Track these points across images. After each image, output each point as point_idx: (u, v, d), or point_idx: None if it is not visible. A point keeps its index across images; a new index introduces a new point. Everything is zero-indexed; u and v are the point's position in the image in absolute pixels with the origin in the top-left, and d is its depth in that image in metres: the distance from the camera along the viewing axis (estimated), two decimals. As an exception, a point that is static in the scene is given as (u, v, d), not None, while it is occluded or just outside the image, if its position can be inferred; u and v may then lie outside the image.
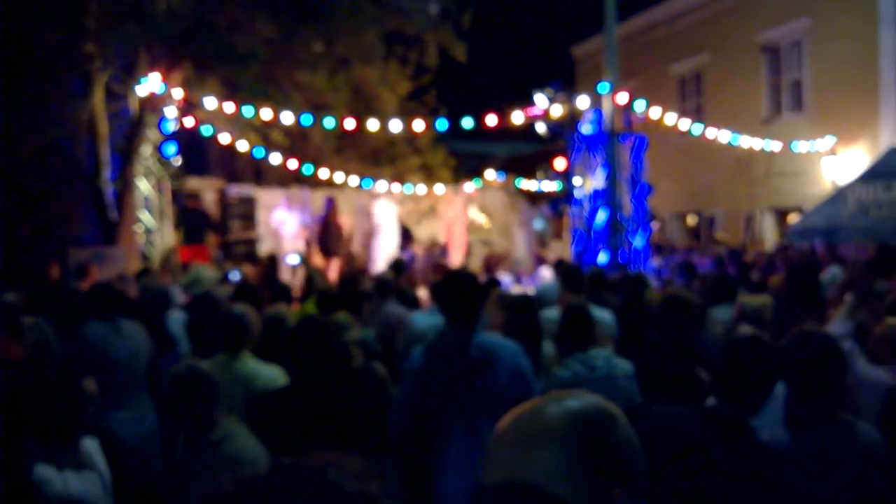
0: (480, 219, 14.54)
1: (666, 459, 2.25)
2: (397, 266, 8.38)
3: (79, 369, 2.93)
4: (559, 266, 8.26)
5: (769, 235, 16.13)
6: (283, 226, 13.36)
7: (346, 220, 13.62)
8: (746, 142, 14.08)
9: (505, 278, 11.12)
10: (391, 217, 13.95)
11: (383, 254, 13.46)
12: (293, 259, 12.75)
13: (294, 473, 0.94)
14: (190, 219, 12.54)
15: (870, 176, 11.31)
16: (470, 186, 14.77)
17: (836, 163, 14.43)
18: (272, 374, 3.88)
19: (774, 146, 14.45)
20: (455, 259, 14.19)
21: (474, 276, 3.97)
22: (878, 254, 8.27)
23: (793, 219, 14.62)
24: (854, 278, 5.18)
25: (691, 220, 19.24)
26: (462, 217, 14.28)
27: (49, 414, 2.76)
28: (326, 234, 13.17)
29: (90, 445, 2.89)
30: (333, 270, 12.69)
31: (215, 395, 3.00)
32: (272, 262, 12.82)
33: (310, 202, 13.99)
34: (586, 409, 1.20)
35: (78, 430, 2.83)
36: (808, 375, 2.56)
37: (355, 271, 8.04)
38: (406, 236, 14.49)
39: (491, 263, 12.69)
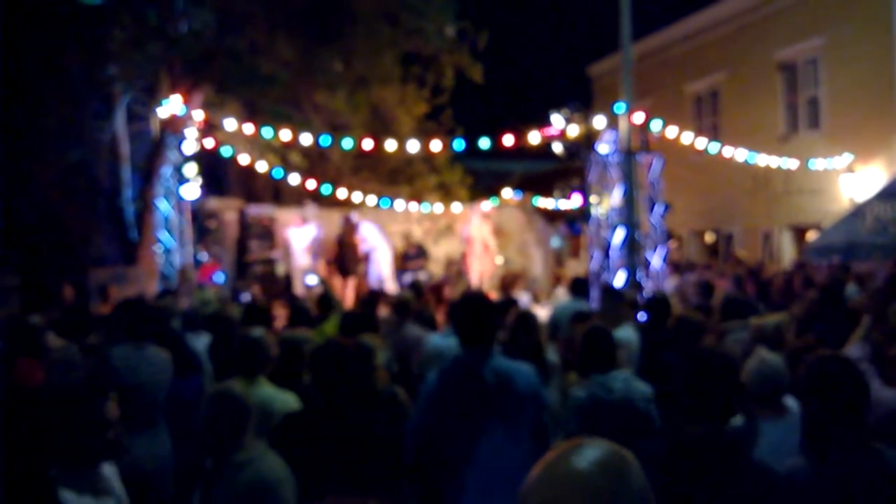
0: (489, 240, 14.52)
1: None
2: (416, 287, 8.42)
3: (102, 393, 2.95)
4: (577, 284, 8.27)
5: (787, 253, 16.03)
6: (299, 244, 13.45)
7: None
8: (763, 160, 14.04)
9: (522, 297, 11.14)
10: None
11: (376, 273, 13.46)
12: (311, 279, 12.83)
13: None
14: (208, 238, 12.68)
15: (887, 193, 11.25)
16: (487, 205, 14.80)
17: (853, 180, 14.36)
18: (288, 401, 3.89)
19: (791, 164, 14.40)
20: (475, 279, 14.20)
21: (489, 298, 3.98)
22: (893, 277, 8.21)
23: (811, 236, 14.53)
24: (870, 300, 5.15)
25: (709, 237, 19.17)
26: (482, 236, 14.29)
27: (70, 438, 2.77)
28: (343, 254, 13.24)
29: (109, 471, 2.91)
30: (350, 290, 12.75)
31: (248, 418, 3.05)
32: (287, 282, 12.95)
33: (326, 221, 14.11)
34: (607, 457, 1.27)
35: (98, 455, 2.84)
36: (828, 400, 2.54)
37: (375, 292, 8.07)
38: (422, 255, 14.53)
39: (507, 283, 12.70)
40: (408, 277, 13.41)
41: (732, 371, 2.64)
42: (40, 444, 2.83)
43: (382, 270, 13.50)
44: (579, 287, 7.92)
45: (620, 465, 1.26)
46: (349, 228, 13.28)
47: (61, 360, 4.62)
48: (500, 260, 14.48)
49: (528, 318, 5.23)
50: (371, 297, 7.51)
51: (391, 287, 12.79)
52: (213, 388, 3.22)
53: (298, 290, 12.98)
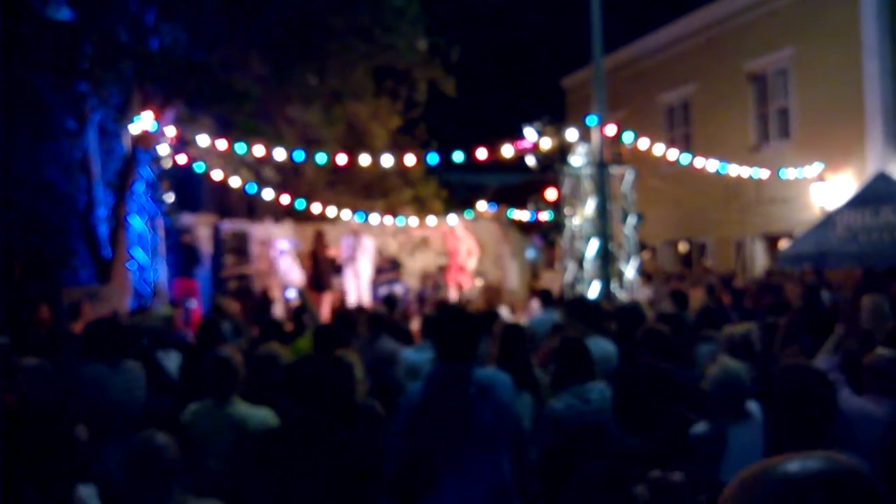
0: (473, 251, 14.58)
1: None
2: (390, 301, 8.40)
3: (73, 415, 2.92)
4: (546, 295, 8.32)
5: (760, 261, 16.22)
6: (279, 259, 13.39)
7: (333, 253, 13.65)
8: (735, 170, 14.22)
9: (503, 310, 11.17)
10: (369, 250, 13.91)
11: (354, 287, 13.43)
12: (291, 293, 12.78)
13: None
14: (182, 254, 12.60)
15: (858, 201, 11.42)
16: (454, 219, 14.84)
17: (824, 189, 14.57)
18: (264, 417, 3.86)
19: (763, 174, 14.59)
20: (452, 292, 14.22)
21: (468, 312, 3.99)
22: (864, 279, 8.35)
23: (783, 245, 14.72)
24: (841, 310, 5.22)
25: (683, 247, 19.35)
26: (459, 248, 14.32)
27: (44, 462, 2.76)
28: (316, 269, 13.20)
29: (85, 493, 2.89)
30: (326, 305, 12.70)
31: (175, 470, 2.81)
32: (264, 298, 12.88)
33: (300, 236, 14.08)
34: (830, 468, 1.13)
35: (73, 477, 2.83)
36: (796, 409, 2.58)
37: (349, 307, 8.05)
38: (396, 268, 14.53)
39: (491, 297, 12.75)
40: (383, 290, 13.38)
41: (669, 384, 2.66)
42: (16, 469, 2.81)
43: (361, 283, 13.45)
44: (548, 299, 7.96)
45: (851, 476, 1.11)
46: (321, 243, 13.26)
47: (36, 379, 4.56)
48: (472, 263, 14.52)
49: (517, 330, 5.26)
50: (346, 312, 7.49)
51: (366, 301, 12.77)
52: (138, 436, 2.95)
53: (279, 304, 12.93)
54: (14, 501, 2.72)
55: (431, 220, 15.19)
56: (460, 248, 14.25)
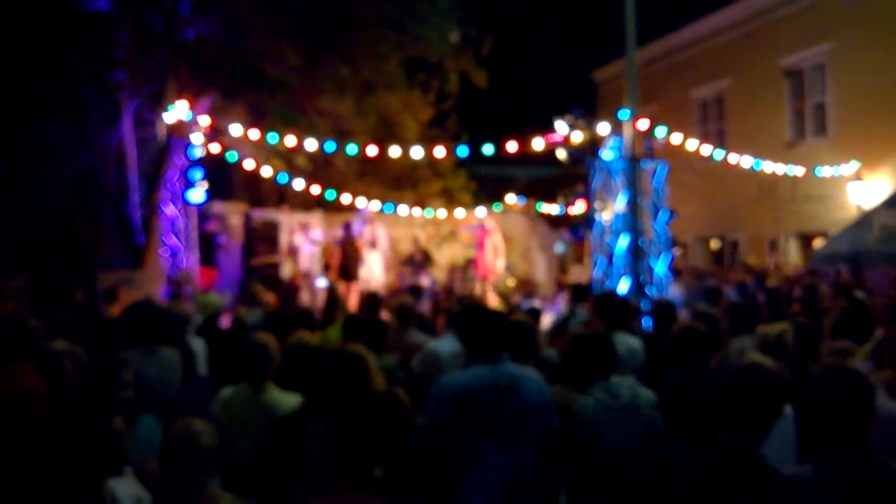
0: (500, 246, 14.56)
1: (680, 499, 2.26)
2: (416, 292, 8.42)
3: (110, 406, 2.91)
4: (577, 290, 8.28)
5: (793, 260, 15.99)
6: (306, 248, 13.48)
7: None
8: (769, 167, 14.02)
9: (534, 303, 11.17)
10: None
11: (367, 275, 13.40)
12: (321, 282, 12.88)
13: None
14: (204, 242, 12.71)
15: (895, 201, 11.21)
16: (482, 211, 14.82)
17: (860, 188, 14.32)
18: (296, 404, 3.91)
19: (798, 171, 14.37)
20: (479, 286, 14.22)
21: (492, 309, 4.02)
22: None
23: (817, 244, 14.50)
24: (881, 313, 5.11)
25: (714, 244, 19.14)
26: (486, 243, 14.29)
27: (79, 453, 2.76)
28: (346, 259, 13.28)
29: (114, 483, 2.89)
30: (354, 295, 12.78)
31: (210, 460, 2.81)
32: (293, 286, 12.99)
33: (330, 226, 14.17)
34: None
35: (106, 469, 2.83)
36: (836, 411, 2.54)
37: (375, 295, 8.07)
38: (427, 261, 14.55)
39: (527, 289, 12.73)
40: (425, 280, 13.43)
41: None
42: (46, 457, 2.83)
43: (374, 272, 13.43)
44: (580, 294, 7.93)
45: None
46: (350, 234, 13.33)
47: (69, 364, 4.64)
48: (501, 264, 14.50)
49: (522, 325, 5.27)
50: (373, 302, 7.52)
51: (381, 289, 12.81)
52: (175, 426, 2.97)
53: (307, 293, 13.04)
54: (45, 490, 2.72)
55: (460, 212, 15.19)
56: (487, 244, 14.23)
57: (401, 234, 15.08)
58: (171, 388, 4.57)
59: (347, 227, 13.44)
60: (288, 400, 3.95)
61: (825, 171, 14.45)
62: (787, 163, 14.36)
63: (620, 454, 3.56)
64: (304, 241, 13.29)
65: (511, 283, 15.04)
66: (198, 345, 5.52)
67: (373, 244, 13.38)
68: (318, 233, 13.39)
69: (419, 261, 14.35)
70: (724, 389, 2.63)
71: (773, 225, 16.06)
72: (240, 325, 6.13)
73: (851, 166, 14.44)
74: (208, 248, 13.04)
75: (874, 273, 10.51)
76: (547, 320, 8.46)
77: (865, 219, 11.44)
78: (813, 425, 2.60)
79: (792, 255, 16.21)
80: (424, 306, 9.10)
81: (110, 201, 13.22)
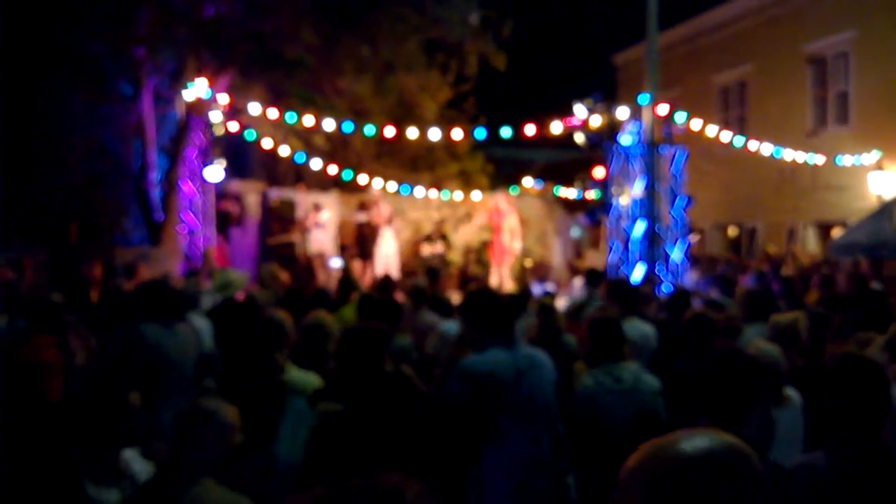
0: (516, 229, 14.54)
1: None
2: (431, 273, 8.45)
3: (127, 380, 2.94)
4: (591, 275, 8.28)
5: (812, 249, 15.87)
6: (322, 227, 13.51)
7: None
8: (790, 154, 13.89)
9: (548, 287, 11.19)
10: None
11: (382, 255, 13.35)
12: (336, 262, 12.93)
13: (373, 494, 1.01)
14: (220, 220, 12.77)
15: (916, 192, 11.11)
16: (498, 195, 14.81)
17: (882, 178, 14.16)
18: (312, 382, 3.95)
19: (818, 159, 14.23)
20: (494, 271, 14.23)
21: (503, 297, 4.08)
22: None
23: (836, 233, 14.38)
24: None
25: (732, 231, 19.02)
26: (502, 225, 14.28)
27: (95, 426, 2.81)
28: (362, 238, 13.33)
29: (129, 456, 2.95)
30: (368, 275, 12.84)
31: (225, 437, 2.73)
32: (309, 266, 13.05)
33: (346, 206, 14.20)
34: (718, 447, 1.23)
35: (119, 441, 2.87)
36: (849, 399, 2.55)
37: (389, 277, 8.10)
38: (443, 241, 14.57)
39: (540, 273, 12.72)
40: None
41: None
42: (65, 429, 2.88)
43: (389, 253, 13.42)
44: (595, 278, 7.93)
45: (736, 456, 1.22)
46: (364, 212, 13.37)
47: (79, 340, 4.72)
48: (517, 246, 14.49)
49: (548, 308, 5.31)
50: (386, 282, 7.55)
51: (395, 270, 12.83)
52: (189, 404, 2.92)
53: (320, 272, 13.09)
54: (62, 461, 2.78)
55: (476, 194, 15.17)
56: (503, 226, 14.20)
57: (417, 216, 15.09)
58: (190, 360, 4.65)
59: (363, 206, 13.48)
60: (304, 378, 3.99)
61: (846, 161, 14.30)
62: (807, 151, 14.22)
63: (617, 436, 3.60)
64: (313, 223, 13.31)
65: (528, 263, 15.03)
66: (202, 323, 5.57)
67: (389, 221, 13.40)
68: (325, 213, 13.38)
69: (435, 238, 14.40)
70: (702, 376, 2.65)
71: (792, 213, 15.94)
72: (253, 302, 6.17)
73: (872, 156, 14.28)
74: (224, 226, 13.10)
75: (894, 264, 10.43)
76: (561, 304, 8.47)
77: (885, 209, 11.34)
78: (825, 413, 2.61)
79: (810, 244, 16.09)
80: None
81: (129, 178, 13.33)
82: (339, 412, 3.47)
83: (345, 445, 3.25)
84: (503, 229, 14.18)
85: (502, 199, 14.48)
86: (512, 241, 14.24)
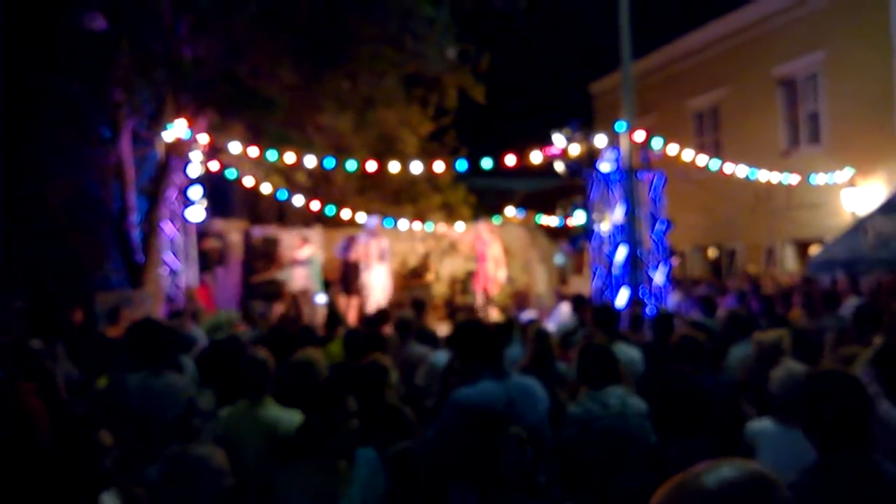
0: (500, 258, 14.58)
1: None
2: (417, 305, 8.46)
3: (97, 422, 2.89)
4: (578, 301, 8.33)
5: (790, 267, 16.05)
6: (306, 265, 13.49)
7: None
8: (764, 175, 14.10)
9: (531, 315, 11.19)
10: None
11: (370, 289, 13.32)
12: (321, 298, 12.89)
13: None
14: (200, 260, 12.73)
15: (889, 207, 11.28)
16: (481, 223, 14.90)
17: (855, 194, 14.40)
18: (295, 420, 3.92)
19: (792, 179, 14.45)
20: (480, 296, 14.24)
21: (490, 325, 4.09)
22: (893, 283, 8.29)
23: (814, 250, 14.55)
24: (882, 320, 5.11)
25: (712, 253, 19.20)
26: (486, 253, 14.33)
27: (71, 470, 2.77)
28: (346, 274, 13.32)
29: (108, 500, 2.87)
30: (353, 309, 12.81)
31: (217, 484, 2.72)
32: (295, 302, 13.01)
33: (331, 242, 14.19)
34: (742, 478, 1.20)
35: (92, 485, 2.80)
36: (832, 416, 2.54)
37: (382, 311, 8.11)
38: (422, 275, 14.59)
39: (520, 301, 12.74)
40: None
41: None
42: (41, 474, 2.83)
43: (378, 286, 13.41)
44: (581, 304, 7.97)
45: (760, 486, 1.20)
46: (351, 249, 13.36)
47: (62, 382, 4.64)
48: (502, 275, 14.54)
49: (544, 336, 5.34)
50: (378, 316, 7.55)
51: (384, 303, 12.82)
52: (171, 448, 2.92)
53: (306, 308, 13.05)
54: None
55: (460, 225, 15.25)
56: (487, 255, 14.26)
57: (402, 249, 15.13)
58: (176, 411, 4.45)
59: (350, 241, 13.48)
60: (287, 416, 3.96)
61: (819, 179, 14.53)
62: (781, 171, 14.45)
63: (607, 461, 3.60)
64: (292, 260, 13.30)
65: (508, 292, 15.09)
66: (187, 363, 5.51)
67: (381, 257, 13.38)
68: (306, 250, 13.36)
69: (423, 274, 14.41)
70: (655, 398, 2.66)
71: (770, 233, 16.13)
72: (236, 342, 6.13)
73: (845, 173, 14.53)
74: (209, 265, 13.05)
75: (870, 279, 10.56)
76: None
77: (860, 225, 11.50)
78: (808, 432, 2.61)
79: (789, 262, 16.27)
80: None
81: (109, 220, 13.26)
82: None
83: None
84: (487, 258, 14.24)
85: (485, 229, 14.56)
86: (497, 269, 14.29)
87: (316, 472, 3.04)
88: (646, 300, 10.25)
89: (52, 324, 8.68)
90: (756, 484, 1.19)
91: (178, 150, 11.38)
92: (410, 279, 14.44)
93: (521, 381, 3.69)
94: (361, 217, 13.59)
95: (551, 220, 16.64)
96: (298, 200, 13.22)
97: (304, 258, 13.27)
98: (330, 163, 11.82)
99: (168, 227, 11.43)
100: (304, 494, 3.00)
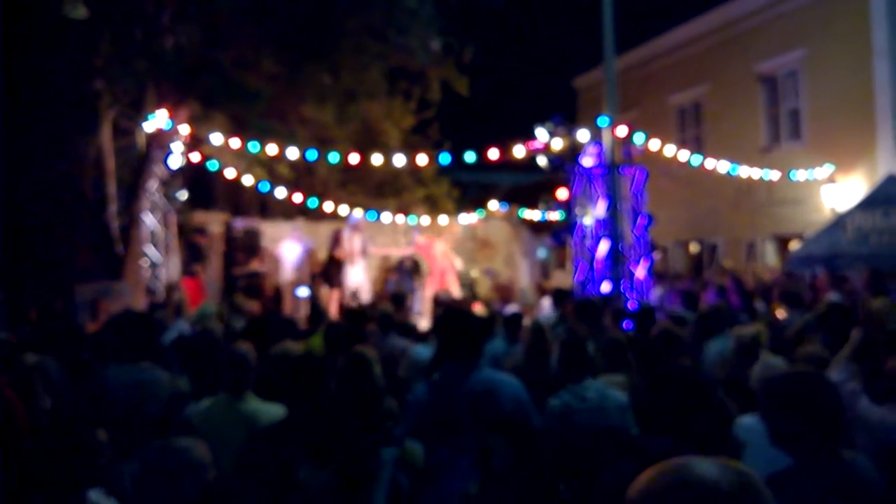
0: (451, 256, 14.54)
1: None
2: (397, 299, 8.46)
3: (90, 418, 2.85)
4: (558, 295, 8.36)
5: (771, 262, 16.19)
6: (288, 257, 13.45)
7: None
8: (745, 171, 14.21)
9: (515, 309, 11.21)
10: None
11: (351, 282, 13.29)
12: (303, 291, 12.84)
13: None
14: (190, 252, 12.66)
15: (868, 203, 11.42)
16: (472, 217, 14.88)
17: (835, 190, 14.54)
18: (275, 413, 3.91)
19: (773, 175, 14.57)
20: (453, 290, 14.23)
21: (473, 314, 4.06)
22: (871, 278, 8.38)
23: (794, 246, 14.70)
24: (859, 315, 5.14)
25: (694, 248, 19.33)
26: (437, 249, 14.29)
27: (58, 467, 2.68)
28: (330, 267, 13.27)
29: (95, 496, 2.83)
30: (335, 302, 12.78)
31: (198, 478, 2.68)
32: (277, 295, 12.96)
33: (313, 235, 14.13)
34: (735, 477, 1.20)
35: (85, 482, 2.75)
36: (804, 417, 2.54)
37: (364, 307, 8.10)
38: (416, 269, 14.54)
39: (503, 295, 12.75)
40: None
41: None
42: (24, 471, 2.77)
43: (358, 280, 13.36)
44: (560, 298, 8.01)
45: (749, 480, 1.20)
46: (335, 242, 13.32)
47: (38, 377, 4.56)
48: (458, 263, 14.47)
49: (540, 329, 5.32)
50: (358, 311, 7.54)
51: (366, 297, 12.80)
52: (154, 444, 2.86)
53: (288, 301, 13.01)
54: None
55: (443, 219, 15.24)
56: (435, 255, 14.19)
57: (385, 242, 15.09)
58: (159, 405, 4.41)
59: (335, 234, 13.42)
60: (267, 409, 3.94)
61: (800, 175, 14.66)
62: (762, 167, 14.56)
63: (588, 453, 3.61)
64: (280, 253, 13.26)
65: (490, 286, 15.08)
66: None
67: (364, 252, 13.33)
68: (288, 244, 13.30)
69: (408, 268, 14.35)
70: (637, 392, 2.66)
71: (751, 228, 16.26)
72: (211, 335, 6.06)
73: (825, 170, 14.67)
74: (198, 258, 12.97)
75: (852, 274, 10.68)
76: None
77: (839, 221, 11.64)
78: (777, 432, 2.60)
79: (769, 257, 16.41)
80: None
81: (88, 211, 13.13)
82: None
83: None
84: (436, 257, 14.18)
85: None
86: (451, 260, 14.23)
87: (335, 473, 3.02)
88: (627, 294, 10.31)
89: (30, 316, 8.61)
90: (747, 486, 1.20)
91: (159, 141, 11.28)
92: (393, 273, 14.40)
93: (490, 374, 3.63)
94: (344, 210, 13.54)
95: (534, 215, 16.67)
96: (281, 193, 13.16)
97: (282, 252, 13.24)
98: (312, 155, 11.77)
99: (149, 219, 11.33)
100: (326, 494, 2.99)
